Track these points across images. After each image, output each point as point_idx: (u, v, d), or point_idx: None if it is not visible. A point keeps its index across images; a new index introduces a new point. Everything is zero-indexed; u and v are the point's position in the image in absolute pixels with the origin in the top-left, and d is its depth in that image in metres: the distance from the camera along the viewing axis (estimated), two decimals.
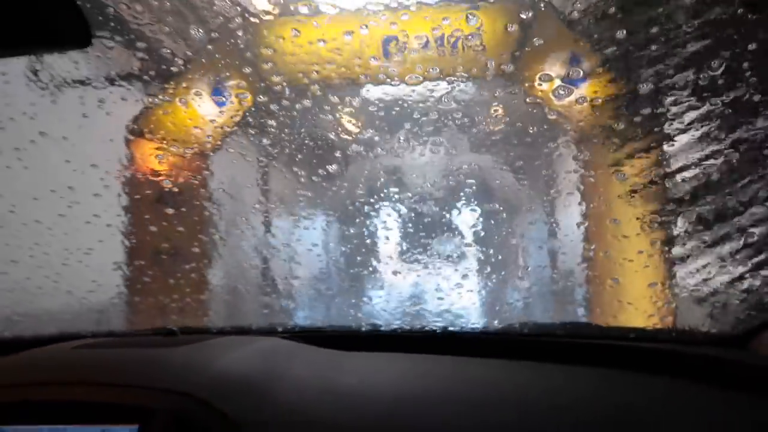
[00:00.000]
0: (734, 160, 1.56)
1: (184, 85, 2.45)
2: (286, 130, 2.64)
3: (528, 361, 1.23)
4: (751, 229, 1.42)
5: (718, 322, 1.35)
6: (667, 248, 1.80)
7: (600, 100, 2.29)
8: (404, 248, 2.73)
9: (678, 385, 1.08)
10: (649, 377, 1.12)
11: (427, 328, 1.44)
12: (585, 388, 1.12)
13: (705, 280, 1.57)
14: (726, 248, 1.50)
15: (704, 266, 1.59)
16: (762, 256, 1.36)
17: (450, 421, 0.99)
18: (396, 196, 2.75)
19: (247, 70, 2.38)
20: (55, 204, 1.99)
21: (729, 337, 1.23)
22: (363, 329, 1.50)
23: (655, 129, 2.05)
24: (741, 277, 1.38)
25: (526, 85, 2.79)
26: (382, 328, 1.52)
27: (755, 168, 1.49)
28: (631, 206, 2.00)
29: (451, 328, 1.45)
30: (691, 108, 1.79)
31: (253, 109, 2.63)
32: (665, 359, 1.18)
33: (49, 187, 2.00)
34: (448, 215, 2.77)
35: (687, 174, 1.80)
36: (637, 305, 1.82)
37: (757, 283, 1.30)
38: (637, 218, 1.92)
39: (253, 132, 2.73)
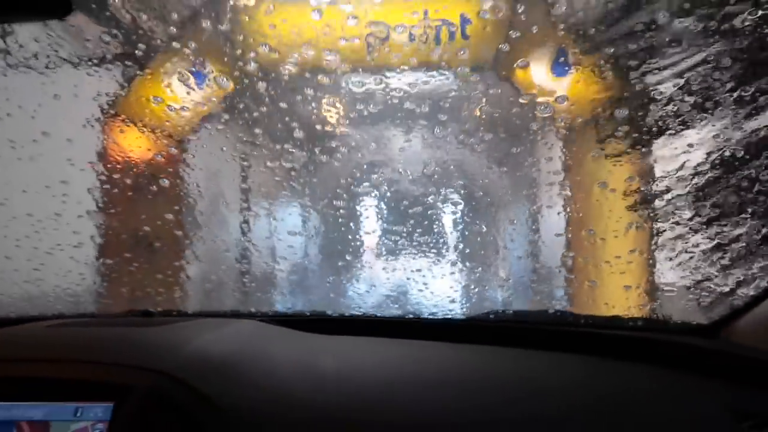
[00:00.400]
0: (714, 163, 1.58)
1: (163, 68, 2.41)
2: (266, 116, 2.62)
3: (506, 348, 1.24)
4: (724, 229, 1.45)
5: (692, 313, 1.37)
6: (648, 245, 1.82)
7: (587, 96, 2.29)
8: (385, 238, 2.73)
9: (653, 371, 1.10)
10: (625, 364, 1.14)
11: (407, 315, 1.45)
12: (561, 374, 1.13)
13: (681, 274, 1.59)
14: (702, 245, 1.53)
15: (680, 261, 1.62)
16: (733, 252, 1.38)
17: (428, 404, 1.00)
18: (378, 187, 2.75)
19: (227, 55, 2.36)
20: (48, 198, 1.96)
21: (702, 326, 1.25)
22: (342, 315, 1.50)
23: (641, 128, 2.06)
24: (714, 271, 1.40)
25: (512, 78, 2.79)
26: (362, 314, 1.52)
27: (731, 170, 1.51)
28: (615, 203, 2.01)
29: (431, 315, 1.46)
30: (677, 110, 1.80)
31: (233, 95, 2.60)
32: (641, 347, 1.20)
33: (42, 180, 1.97)
34: (430, 206, 2.77)
35: (670, 175, 1.82)
36: (617, 297, 1.85)
37: (729, 276, 1.33)
38: (620, 216, 1.95)
39: (232, 118, 2.70)
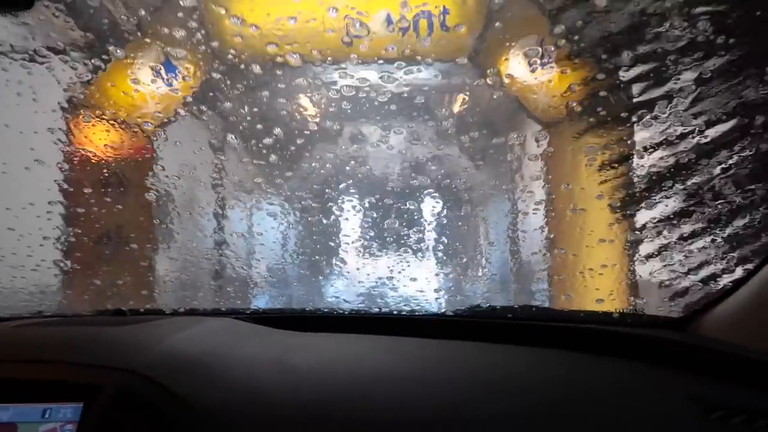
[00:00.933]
0: (682, 162, 1.61)
1: (133, 58, 2.35)
2: (241, 109, 2.58)
3: (480, 342, 1.25)
4: (694, 227, 1.48)
5: (663, 307, 1.40)
6: (625, 240, 1.85)
7: (569, 87, 2.28)
8: (364, 234, 2.72)
9: (625, 365, 1.12)
10: (598, 358, 1.16)
11: (384, 311, 1.45)
12: (536, 369, 1.14)
13: (653, 270, 1.62)
14: (674, 241, 1.56)
15: (653, 258, 1.65)
16: (702, 249, 1.41)
17: (405, 401, 1.00)
18: (357, 182, 2.74)
19: (201, 44, 2.32)
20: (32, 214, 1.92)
21: (672, 320, 1.28)
22: (320, 312, 1.50)
23: (624, 123, 2.06)
24: (684, 267, 1.43)
25: (493, 69, 2.76)
26: (340, 311, 1.51)
27: (700, 170, 1.53)
28: (593, 196, 2.03)
29: (408, 311, 1.46)
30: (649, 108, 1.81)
31: (206, 87, 2.55)
32: (615, 341, 1.22)
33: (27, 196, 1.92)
34: (408, 201, 2.77)
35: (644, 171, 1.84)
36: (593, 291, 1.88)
37: (698, 272, 1.36)
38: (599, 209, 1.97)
39: (207, 111, 2.66)
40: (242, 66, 2.33)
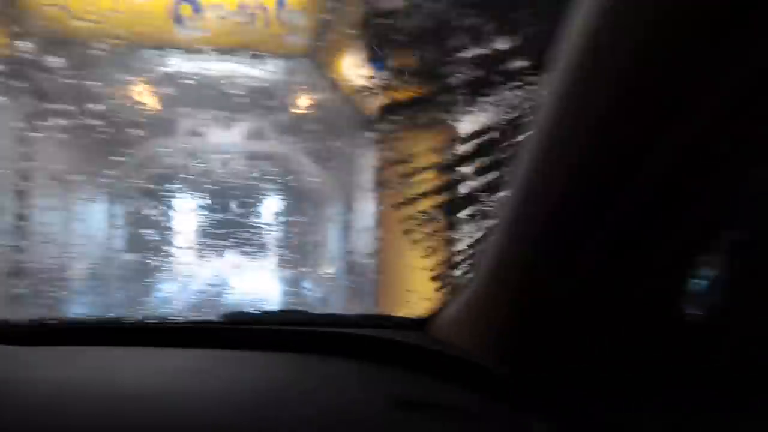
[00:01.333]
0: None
1: None
2: (53, 94, 2.38)
3: (232, 350, 1.23)
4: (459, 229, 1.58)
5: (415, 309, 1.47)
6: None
7: (397, 91, 2.34)
8: (189, 235, 2.62)
9: (348, 365, 1.16)
10: (330, 359, 1.18)
11: (146, 320, 1.39)
12: (270, 374, 1.15)
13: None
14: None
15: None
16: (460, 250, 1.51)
17: (149, 415, 0.95)
18: (183, 178, 2.63)
19: (9, 18, 2.10)
20: None
21: (416, 320, 1.35)
22: (72, 321, 1.40)
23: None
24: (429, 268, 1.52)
25: (328, 68, 2.78)
26: (96, 319, 1.43)
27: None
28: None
29: (169, 319, 1.41)
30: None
31: (13, 69, 2.32)
32: (358, 344, 1.26)
33: None
34: (239, 200, 2.70)
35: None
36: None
37: (445, 272, 1.45)
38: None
39: (13, 96, 2.42)
40: (57, 45, 2.14)
